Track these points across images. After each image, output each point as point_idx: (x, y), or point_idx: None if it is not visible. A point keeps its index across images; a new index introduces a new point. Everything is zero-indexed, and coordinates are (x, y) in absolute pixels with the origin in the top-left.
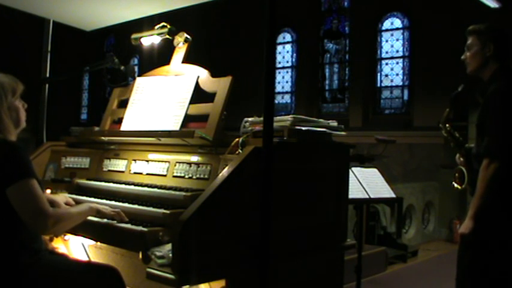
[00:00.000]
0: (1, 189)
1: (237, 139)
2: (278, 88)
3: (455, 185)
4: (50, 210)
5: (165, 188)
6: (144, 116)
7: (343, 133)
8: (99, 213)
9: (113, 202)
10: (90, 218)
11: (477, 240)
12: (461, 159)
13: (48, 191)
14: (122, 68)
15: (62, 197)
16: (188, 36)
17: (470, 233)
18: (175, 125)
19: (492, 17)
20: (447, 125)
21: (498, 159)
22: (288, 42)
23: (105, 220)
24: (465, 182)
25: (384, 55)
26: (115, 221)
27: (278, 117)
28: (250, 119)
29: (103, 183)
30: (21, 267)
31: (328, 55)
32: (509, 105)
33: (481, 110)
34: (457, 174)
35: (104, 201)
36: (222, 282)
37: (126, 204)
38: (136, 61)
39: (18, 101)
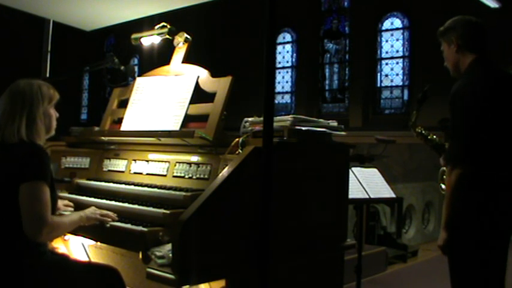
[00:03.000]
0: (15, 185)
1: (237, 139)
2: (278, 88)
3: (443, 186)
4: (49, 219)
5: (165, 188)
6: (144, 116)
7: (343, 133)
8: (89, 220)
9: (112, 202)
10: None
11: (462, 254)
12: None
13: None
14: (122, 68)
15: (60, 201)
16: (188, 36)
17: (445, 245)
18: (175, 125)
19: (492, 17)
20: (418, 128)
21: (460, 165)
22: (288, 42)
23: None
24: None
25: (384, 55)
26: (114, 221)
27: (278, 117)
28: (250, 119)
29: (103, 183)
30: (24, 267)
31: (328, 55)
32: (469, 107)
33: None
34: (444, 176)
35: (104, 201)
36: (222, 282)
37: (126, 204)
38: (136, 61)
39: (52, 109)
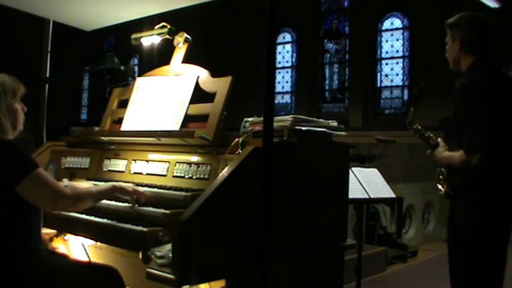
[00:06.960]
0: (6, 188)
1: (237, 139)
2: (278, 88)
3: (439, 186)
4: (66, 192)
5: (165, 188)
6: (144, 116)
7: (343, 133)
8: (122, 191)
9: (112, 202)
10: (89, 217)
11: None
12: None
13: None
14: (122, 68)
15: (86, 184)
16: (188, 36)
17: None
18: (175, 125)
19: (492, 17)
20: (415, 125)
21: (480, 152)
22: (288, 42)
23: (105, 220)
24: None
25: (384, 55)
26: (115, 221)
27: (278, 117)
28: (250, 119)
29: (103, 183)
30: (22, 267)
31: (328, 55)
32: (481, 99)
33: (454, 108)
34: (441, 177)
35: (104, 201)
36: (222, 282)
37: (125, 204)
38: (136, 61)
39: (17, 103)
